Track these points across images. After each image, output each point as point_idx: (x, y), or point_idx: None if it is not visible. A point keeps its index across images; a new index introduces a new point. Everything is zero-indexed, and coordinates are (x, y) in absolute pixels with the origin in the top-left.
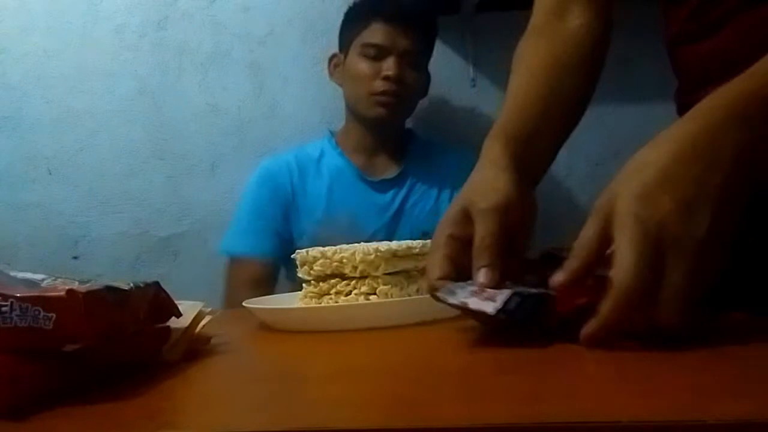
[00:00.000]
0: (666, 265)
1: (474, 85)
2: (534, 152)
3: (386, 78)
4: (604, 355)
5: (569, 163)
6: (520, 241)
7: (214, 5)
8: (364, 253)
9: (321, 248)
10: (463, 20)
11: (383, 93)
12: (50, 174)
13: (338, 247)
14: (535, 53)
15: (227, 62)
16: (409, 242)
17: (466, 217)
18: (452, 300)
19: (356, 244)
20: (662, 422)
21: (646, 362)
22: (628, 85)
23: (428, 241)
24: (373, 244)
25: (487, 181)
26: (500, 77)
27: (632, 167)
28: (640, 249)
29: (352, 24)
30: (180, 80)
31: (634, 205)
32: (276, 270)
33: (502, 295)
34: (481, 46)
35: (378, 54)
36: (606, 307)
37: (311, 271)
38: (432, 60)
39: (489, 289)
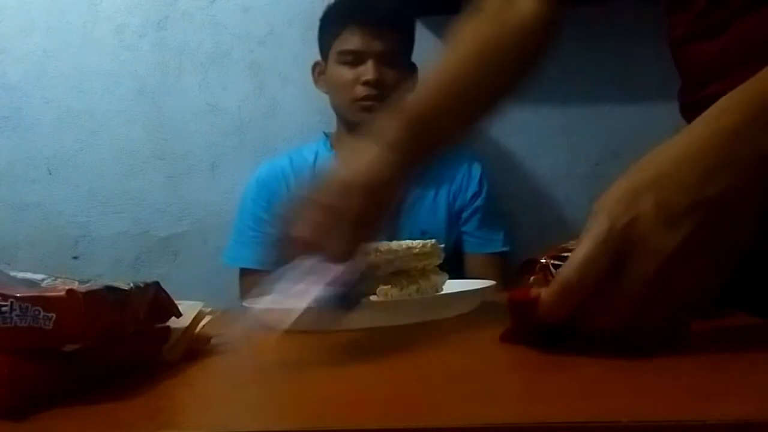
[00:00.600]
0: (626, 268)
1: None
2: (436, 132)
3: (366, 83)
4: (604, 356)
5: (569, 163)
6: (383, 221)
7: (214, 5)
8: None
9: None
10: None
11: (365, 98)
12: (50, 174)
13: None
14: (470, 33)
15: (227, 62)
16: (409, 242)
17: (339, 188)
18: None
19: None
20: (662, 422)
21: (646, 362)
22: (628, 85)
23: (428, 241)
24: (373, 244)
25: (367, 157)
26: None
27: (635, 166)
28: (595, 245)
29: (326, 32)
30: (180, 80)
31: (613, 200)
32: None
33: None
34: None
35: (355, 59)
36: (543, 297)
37: None
38: (432, 60)
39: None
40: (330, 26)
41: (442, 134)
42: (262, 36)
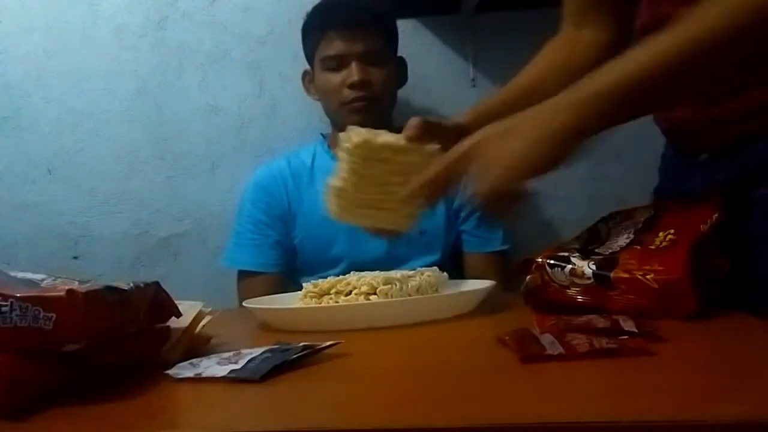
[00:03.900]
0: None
1: (474, 85)
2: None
3: (351, 86)
4: (604, 356)
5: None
6: None
7: (214, 5)
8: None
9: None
10: (463, 20)
11: (354, 100)
12: (50, 174)
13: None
14: (542, 56)
15: (227, 62)
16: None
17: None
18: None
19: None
20: (662, 422)
21: (646, 363)
22: None
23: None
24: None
25: None
26: (500, 77)
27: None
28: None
29: (308, 40)
30: (180, 80)
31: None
32: (285, 279)
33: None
34: (481, 46)
35: (339, 64)
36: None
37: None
38: (432, 60)
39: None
40: (309, 35)
41: None
42: (262, 36)
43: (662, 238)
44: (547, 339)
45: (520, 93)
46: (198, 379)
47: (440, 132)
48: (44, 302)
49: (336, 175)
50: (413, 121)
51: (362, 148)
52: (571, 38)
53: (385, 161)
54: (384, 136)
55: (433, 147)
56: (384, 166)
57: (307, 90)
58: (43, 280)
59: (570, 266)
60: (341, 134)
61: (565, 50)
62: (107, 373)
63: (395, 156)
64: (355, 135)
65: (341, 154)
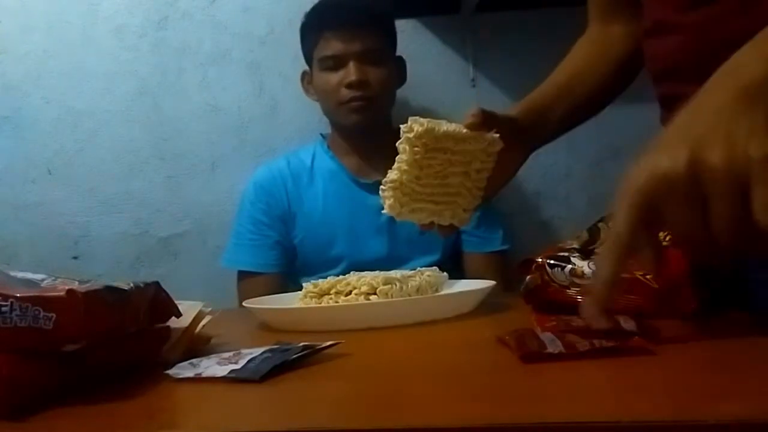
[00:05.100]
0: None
1: (474, 85)
2: (539, 119)
3: (349, 85)
4: (605, 356)
5: (569, 163)
6: None
7: (214, 5)
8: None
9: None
10: (463, 20)
11: (351, 100)
12: (50, 174)
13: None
14: (575, 53)
15: (227, 62)
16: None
17: None
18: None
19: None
20: (662, 422)
21: (646, 363)
22: None
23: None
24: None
25: None
26: (500, 77)
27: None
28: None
29: (306, 40)
30: (180, 80)
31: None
32: (285, 279)
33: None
34: (481, 46)
35: (336, 64)
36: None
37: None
38: (432, 60)
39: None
40: (308, 36)
41: (542, 121)
42: (262, 36)
43: (662, 238)
44: (547, 338)
45: (560, 88)
46: (198, 379)
47: (495, 123)
48: (44, 302)
49: (395, 168)
50: (473, 110)
51: (425, 137)
52: (600, 34)
53: (445, 151)
54: (445, 125)
55: (493, 135)
56: (443, 156)
57: (306, 90)
58: (43, 280)
59: (570, 266)
60: (402, 126)
61: (598, 45)
62: (107, 373)
63: (456, 145)
64: (418, 124)
65: (402, 146)
